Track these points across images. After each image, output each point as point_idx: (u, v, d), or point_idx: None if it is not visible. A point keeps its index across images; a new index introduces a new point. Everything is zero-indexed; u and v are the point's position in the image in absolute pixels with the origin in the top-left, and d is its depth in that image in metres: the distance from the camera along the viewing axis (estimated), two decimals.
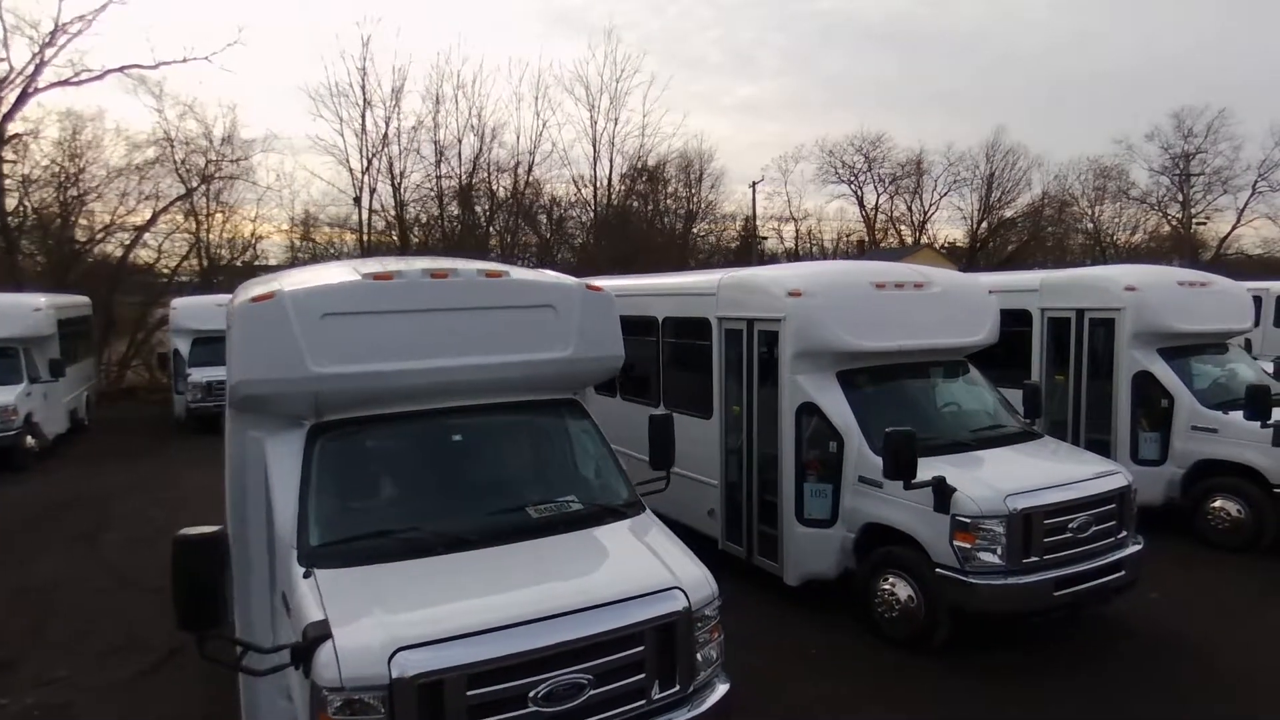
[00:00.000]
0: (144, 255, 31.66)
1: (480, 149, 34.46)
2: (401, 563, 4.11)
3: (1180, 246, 57.78)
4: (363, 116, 32.59)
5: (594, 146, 35.17)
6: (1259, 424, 8.19)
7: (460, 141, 34.45)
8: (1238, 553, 8.52)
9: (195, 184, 28.73)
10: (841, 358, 7.01)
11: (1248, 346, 18.50)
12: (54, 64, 25.42)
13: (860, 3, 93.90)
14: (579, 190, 37.20)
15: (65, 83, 26.27)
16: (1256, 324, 24.86)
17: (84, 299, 20.49)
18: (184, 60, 27.31)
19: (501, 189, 37.24)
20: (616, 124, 34.78)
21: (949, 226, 76.18)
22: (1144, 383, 9.23)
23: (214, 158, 29.97)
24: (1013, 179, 62.66)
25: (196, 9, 37.61)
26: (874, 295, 7.19)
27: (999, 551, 5.84)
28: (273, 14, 61.55)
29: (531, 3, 75.25)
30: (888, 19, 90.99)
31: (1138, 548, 6.49)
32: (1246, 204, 55.35)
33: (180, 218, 31.26)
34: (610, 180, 36.49)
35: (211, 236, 31.81)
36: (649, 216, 55.63)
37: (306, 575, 3.96)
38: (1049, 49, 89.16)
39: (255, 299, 4.55)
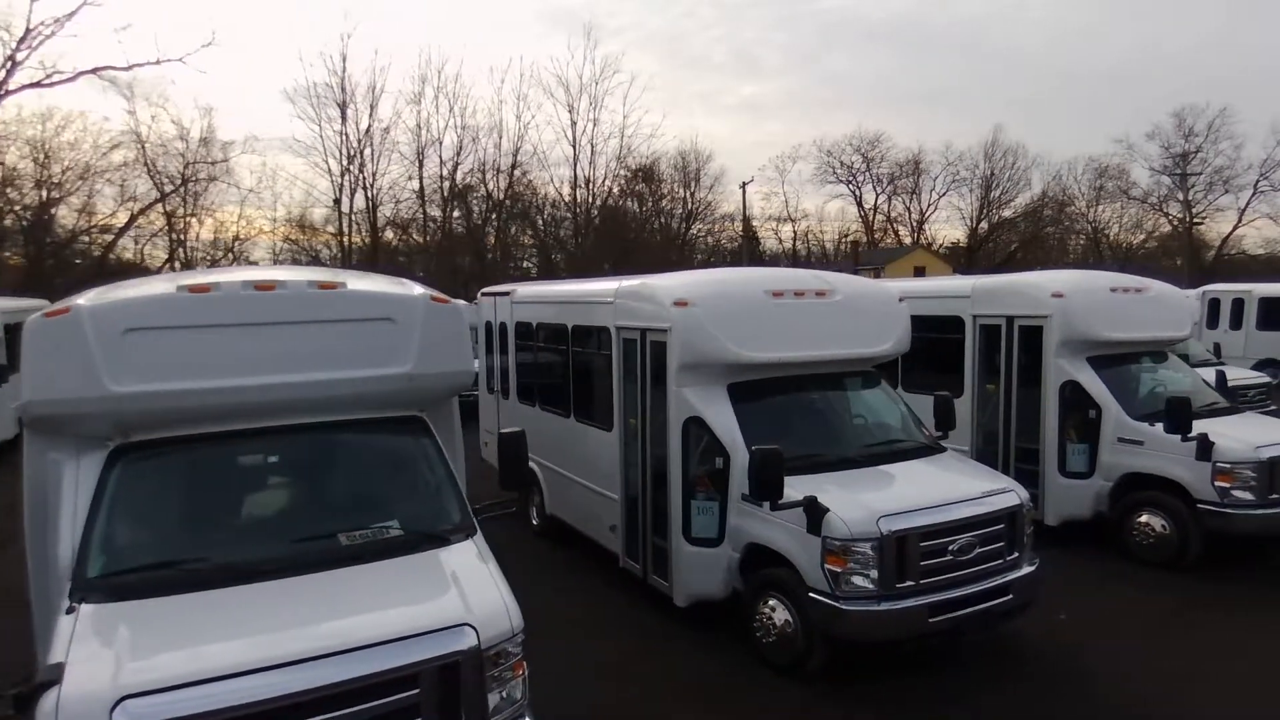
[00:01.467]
0: (130, 256, 31.61)
1: (460, 149, 34.34)
2: (180, 596, 3.87)
3: (1180, 246, 57.38)
4: (342, 116, 32.53)
5: (574, 147, 34.90)
6: (1179, 437, 7.91)
7: (440, 142, 34.38)
8: (1163, 569, 8.23)
9: (168, 188, 28.64)
10: (732, 369, 6.74)
11: (1216, 351, 18.26)
12: (27, 66, 25.38)
13: (862, 1, 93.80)
14: (559, 193, 36.94)
15: (37, 84, 26.27)
16: (1239, 326, 24.63)
17: (42, 303, 20.38)
18: (157, 62, 27.34)
19: (498, 190, 37.10)
20: (595, 125, 34.48)
21: (948, 227, 76.07)
22: (1071, 392, 8.94)
23: (191, 160, 29.90)
24: (1012, 179, 62.54)
25: (176, 11, 37.43)
26: (768, 304, 6.91)
27: (871, 576, 5.57)
28: (256, 15, 61.50)
29: (535, 3, 75.52)
30: (889, 17, 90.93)
31: (1030, 569, 6.20)
32: (1248, 203, 54.98)
33: (157, 220, 31.23)
34: (590, 181, 36.13)
35: (190, 238, 31.76)
36: (644, 217, 55.60)
37: (69, 611, 3.73)
38: (1053, 47, 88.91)
39: (49, 314, 4.33)
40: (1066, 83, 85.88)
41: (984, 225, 65.59)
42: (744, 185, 50.91)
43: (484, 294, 11.29)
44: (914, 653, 6.02)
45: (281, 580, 4.01)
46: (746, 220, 50.97)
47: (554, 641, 6.39)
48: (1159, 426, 8.29)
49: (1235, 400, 14.56)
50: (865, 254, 61.07)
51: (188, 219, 30.29)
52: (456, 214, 38.42)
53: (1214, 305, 25.01)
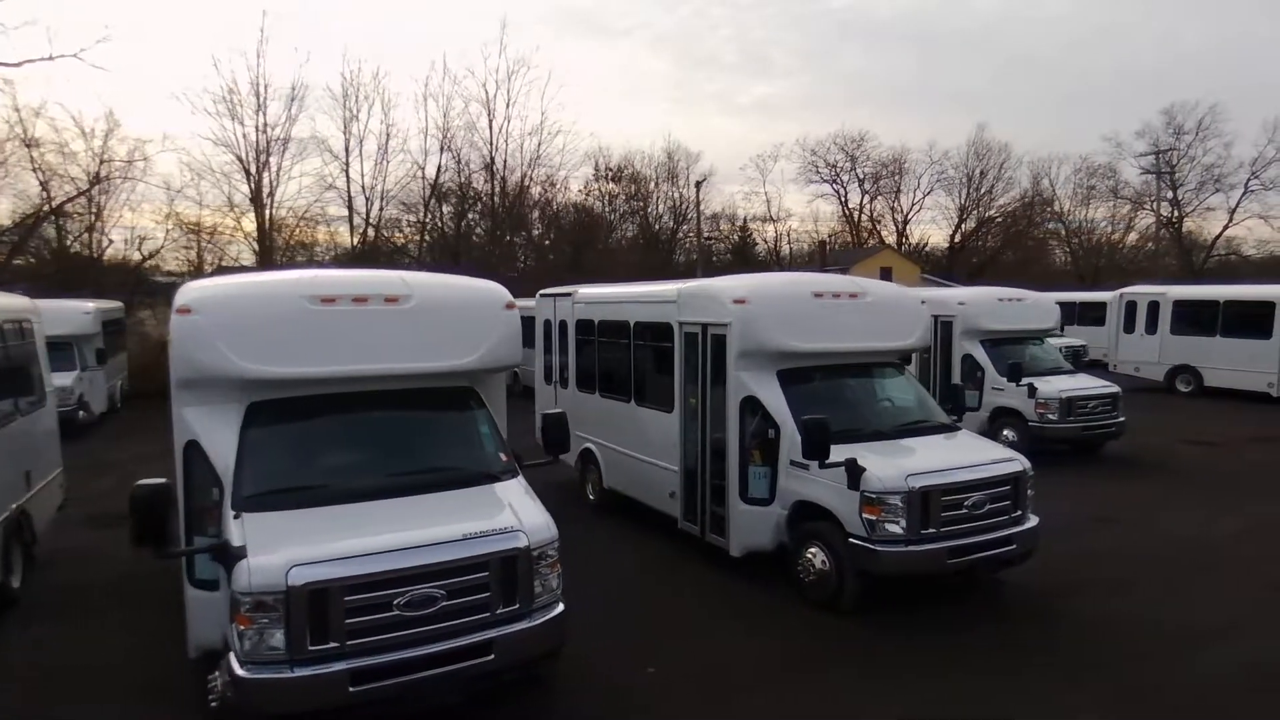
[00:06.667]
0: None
1: (380, 152, 33.65)
2: None
3: (1168, 245, 55.75)
4: (259, 112, 31.91)
5: (491, 145, 34.06)
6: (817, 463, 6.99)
7: (361, 144, 33.74)
8: (822, 610, 7.30)
9: (58, 192, 28.01)
10: (250, 385, 5.88)
11: (1075, 358, 17.11)
12: None
13: (871, 1, 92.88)
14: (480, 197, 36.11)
15: None
16: (1154, 330, 23.33)
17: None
18: (50, 58, 26.70)
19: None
20: (510, 122, 33.64)
21: (933, 227, 74.93)
22: (752, 409, 8.01)
23: (101, 158, 29.38)
24: (999, 177, 61.37)
25: (76, 7, 36.91)
26: (310, 312, 6.02)
27: (280, 637, 4.70)
28: (168, 12, 60.90)
29: (542, 5, 75.20)
30: (900, 17, 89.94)
31: (527, 623, 5.24)
32: (1239, 203, 53.52)
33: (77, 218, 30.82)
34: (505, 180, 35.29)
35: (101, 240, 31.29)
36: (616, 217, 54.80)
37: None
38: (1066, 46, 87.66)
39: None
40: (1083, 80, 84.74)
41: (969, 224, 64.30)
42: (699, 184, 50.12)
43: None
44: None
45: None
46: (698, 220, 49.97)
47: None
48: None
49: (1069, 415, 13.64)
50: (833, 254, 59.80)
51: (93, 220, 29.70)
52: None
53: (1130, 308, 23.86)
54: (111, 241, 32.44)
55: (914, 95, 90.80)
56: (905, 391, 8.74)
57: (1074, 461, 13.87)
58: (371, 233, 35.54)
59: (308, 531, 5.11)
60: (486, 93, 34.67)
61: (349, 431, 6.24)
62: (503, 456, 6.39)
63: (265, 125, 31.61)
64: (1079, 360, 16.76)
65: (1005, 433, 14.00)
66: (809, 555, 7.46)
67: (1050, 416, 13.57)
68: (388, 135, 33.75)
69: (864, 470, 6.92)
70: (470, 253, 37.40)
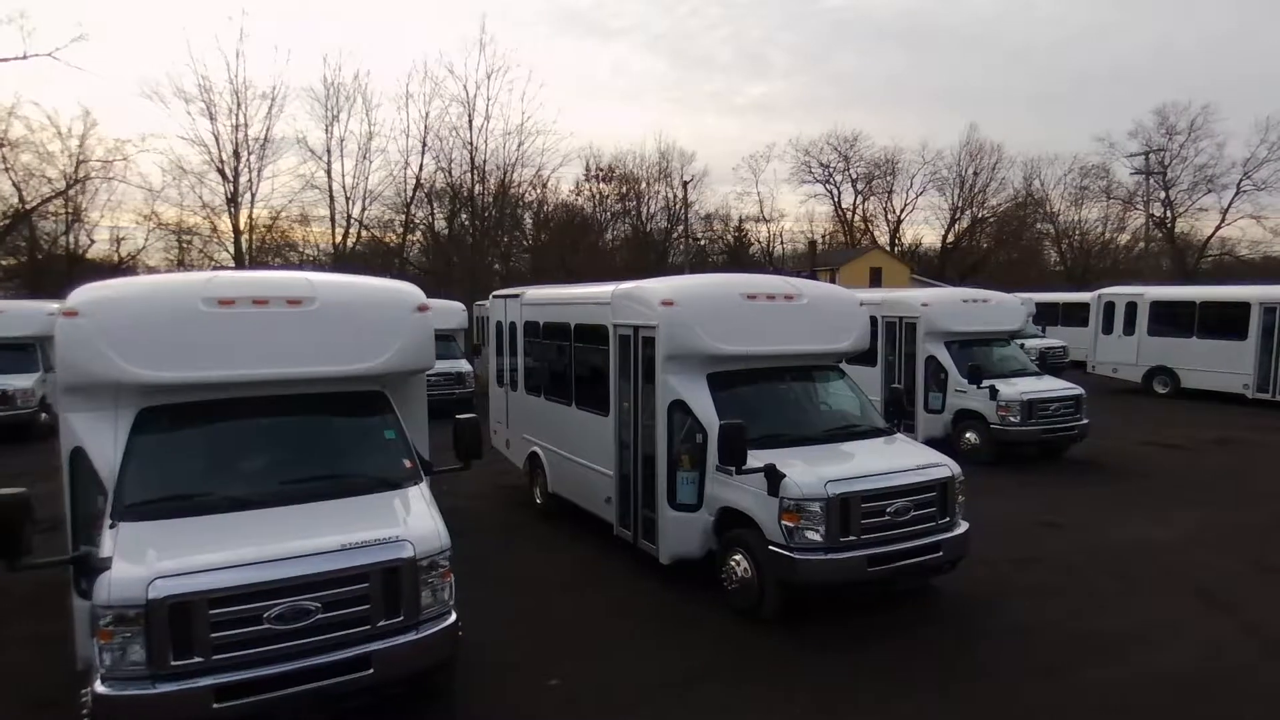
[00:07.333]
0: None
1: (361, 152, 33.40)
2: None
3: (1160, 245, 55.64)
4: (236, 111, 31.65)
5: (471, 146, 33.77)
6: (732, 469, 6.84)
7: (342, 144, 33.49)
8: (744, 618, 7.15)
9: (33, 198, 27.85)
10: (155, 391, 5.74)
11: (1041, 360, 16.96)
12: None
13: (868, 1, 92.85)
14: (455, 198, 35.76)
15: None
16: (1132, 331, 23.15)
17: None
18: (24, 57, 26.58)
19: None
20: (489, 121, 33.30)
21: (926, 227, 74.87)
22: (680, 413, 7.85)
23: (79, 158, 29.22)
24: (992, 177, 61.27)
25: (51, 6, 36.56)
26: (207, 316, 5.89)
27: (141, 650, 4.54)
28: (146, 11, 60.16)
29: (539, 4, 75.07)
30: (896, 16, 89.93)
31: (412, 635, 5.09)
32: (1231, 203, 53.36)
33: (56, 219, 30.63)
34: (485, 179, 35.00)
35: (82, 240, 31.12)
36: (606, 217, 54.61)
37: None
38: (1059, 45, 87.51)
39: None
40: (1073, 82, 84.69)
41: (961, 224, 64.24)
42: (685, 184, 50.03)
43: None
44: None
45: None
46: (685, 220, 49.82)
47: None
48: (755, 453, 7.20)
49: (1030, 417, 13.49)
50: (823, 254, 59.73)
51: (70, 220, 29.51)
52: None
53: (1109, 309, 23.72)
54: (93, 242, 32.40)
55: (908, 95, 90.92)
56: (841, 395, 8.59)
57: (1035, 464, 13.73)
58: (355, 231, 35.27)
59: (180, 542, 4.95)
60: (467, 93, 34.28)
61: (244, 438, 6.07)
62: (406, 463, 6.23)
63: (245, 123, 31.37)
64: (1046, 361, 16.60)
65: (968, 435, 13.88)
66: (732, 562, 7.28)
67: (1011, 419, 13.43)
68: (370, 135, 33.39)
69: (783, 476, 6.76)
70: (461, 254, 37.12)
